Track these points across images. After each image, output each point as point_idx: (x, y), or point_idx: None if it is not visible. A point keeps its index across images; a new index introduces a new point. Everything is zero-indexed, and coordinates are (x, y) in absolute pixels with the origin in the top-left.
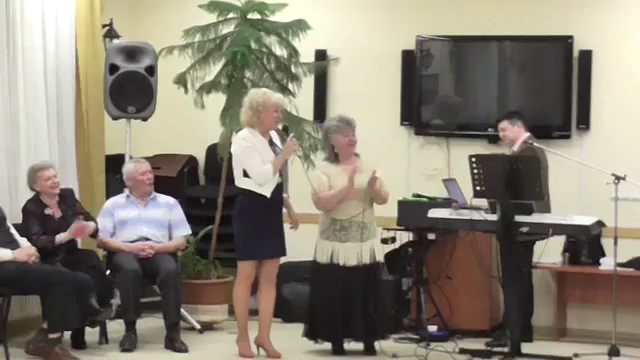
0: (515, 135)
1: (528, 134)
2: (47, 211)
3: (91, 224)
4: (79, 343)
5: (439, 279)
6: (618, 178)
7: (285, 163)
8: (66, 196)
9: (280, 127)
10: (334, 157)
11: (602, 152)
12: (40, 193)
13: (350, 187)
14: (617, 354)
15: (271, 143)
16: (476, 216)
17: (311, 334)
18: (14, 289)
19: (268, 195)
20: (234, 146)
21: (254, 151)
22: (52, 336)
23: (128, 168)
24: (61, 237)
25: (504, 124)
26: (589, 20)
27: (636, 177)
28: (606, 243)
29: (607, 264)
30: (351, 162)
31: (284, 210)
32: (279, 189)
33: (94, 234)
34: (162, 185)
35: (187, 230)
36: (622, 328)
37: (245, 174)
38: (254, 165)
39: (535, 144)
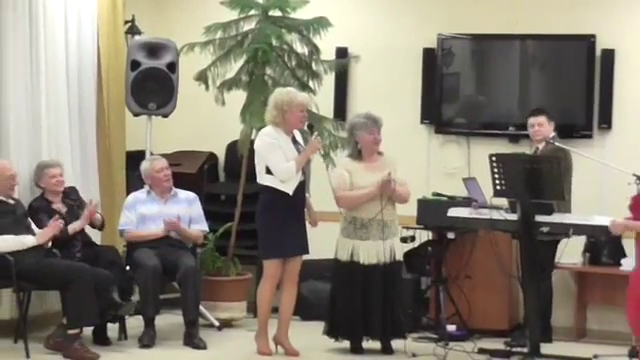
0: (548, 132)
1: (553, 133)
2: (54, 206)
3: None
4: (101, 339)
5: (458, 278)
6: (639, 178)
7: (308, 161)
8: (69, 193)
9: (305, 126)
10: (357, 154)
11: (624, 152)
12: (45, 190)
13: (375, 194)
14: (637, 356)
15: (294, 141)
16: (496, 215)
17: (331, 332)
18: (34, 284)
19: (290, 192)
20: (257, 142)
21: (277, 148)
22: (71, 332)
23: (145, 166)
24: (75, 225)
25: (541, 119)
26: (612, 19)
27: None
28: (627, 243)
29: (628, 265)
30: (374, 160)
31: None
32: (301, 187)
33: (102, 226)
34: (182, 182)
35: (204, 226)
36: None
37: (268, 171)
38: (277, 161)
39: (557, 143)
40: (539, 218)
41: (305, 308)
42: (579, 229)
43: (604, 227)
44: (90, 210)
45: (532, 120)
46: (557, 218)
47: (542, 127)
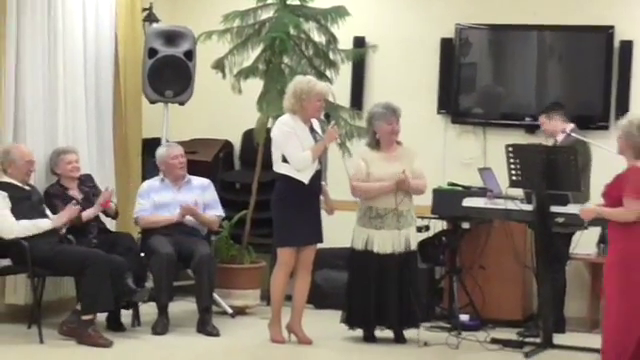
0: (553, 128)
1: (572, 125)
2: (69, 192)
3: (109, 192)
4: (115, 325)
5: (472, 268)
6: None
7: (325, 150)
8: (85, 180)
9: (322, 115)
10: (375, 144)
11: None
12: (60, 177)
13: (391, 190)
14: None
15: (311, 130)
16: (511, 206)
17: (348, 321)
18: (49, 270)
19: (306, 181)
20: (274, 130)
21: (294, 136)
22: (85, 318)
23: (160, 152)
24: (88, 212)
25: (542, 118)
26: (630, 10)
27: None
28: None
29: None
30: (392, 150)
31: (321, 197)
32: (318, 176)
33: (115, 215)
34: (197, 169)
35: (220, 211)
36: None
37: (284, 159)
38: (293, 150)
39: (576, 135)
40: (554, 209)
41: (319, 297)
42: (593, 220)
43: None
44: (105, 197)
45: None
46: (572, 209)
47: (544, 125)
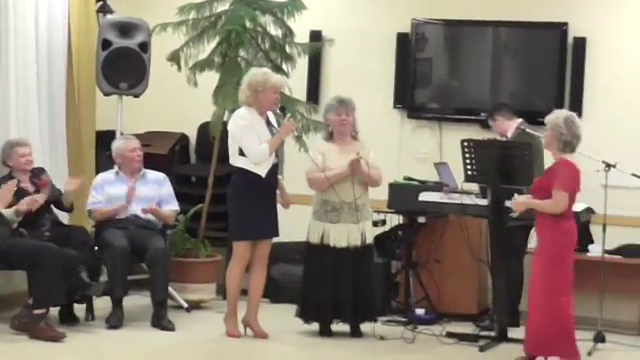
0: (501, 128)
1: (520, 120)
2: (21, 185)
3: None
4: (69, 319)
5: (428, 262)
6: (608, 165)
7: (281, 143)
8: (37, 173)
9: (277, 108)
10: (330, 136)
11: (593, 139)
12: (13, 169)
13: (346, 175)
14: (602, 340)
15: (268, 123)
16: (466, 200)
17: (303, 315)
18: (0, 263)
19: (263, 175)
20: (231, 124)
21: (251, 130)
22: (37, 312)
23: (117, 144)
24: (35, 197)
25: (490, 122)
26: (584, 7)
27: (626, 165)
28: (595, 230)
29: (595, 251)
30: (346, 143)
31: (277, 191)
32: (274, 170)
33: (70, 209)
34: (153, 163)
35: (175, 206)
36: (608, 315)
37: (241, 152)
38: (251, 144)
39: (527, 129)
40: (509, 203)
41: (275, 290)
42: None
43: (575, 213)
44: (46, 180)
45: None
46: None
47: (493, 127)
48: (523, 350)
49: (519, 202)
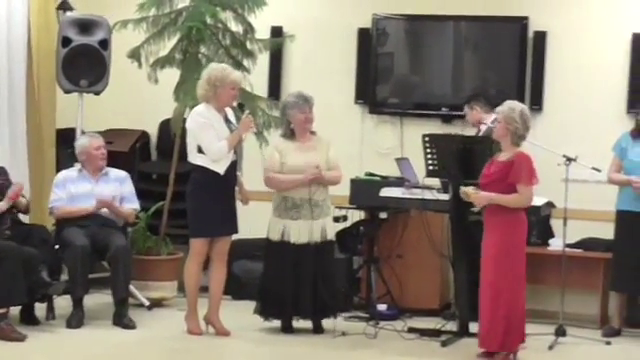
0: (475, 118)
1: (494, 116)
2: None
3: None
4: (29, 319)
5: (390, 258)
6: (569, 159)
7: (240, 140)
8: None
9: (235, 104)
10: (290, 133)
11: (554, 133)
12: None
13: (303, 182)
14: (564, 334)
15: (226, 120)
16: (428, 195)
17: (262, 312)
18: None
19: (222, 172)
20: (189, 121)
21: (210, 127)
22: None
23: (82, 142)
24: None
25: (465, 109)
26: (544, 2)
27: (587, 159)
28: (555, 224)
29: (556, 245)
30: (307, 140)
31: (236, 188)
32: (233, 167)
33: (26, 210)
34: (114, 160)
35: (136, 204)
36: (570, 309)
37: (199, 150)
38: (209, 141)
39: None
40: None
41: (236, 287)
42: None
43: (534, 207)
44: (14, 191)
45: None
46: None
47: (467, 116)
48: (478, 346)
49: (480, 197)
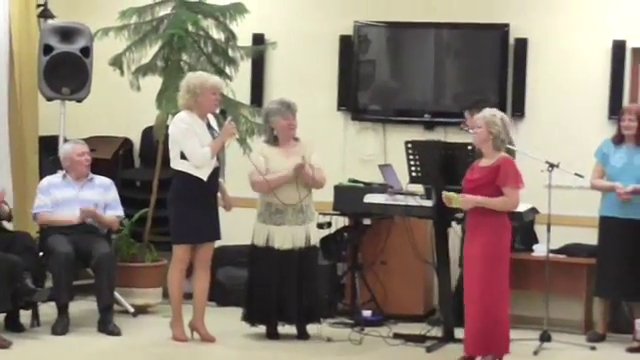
0: (474, 124)
1: None
2: None
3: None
4: (14, 326)
5: (374, 264)
6: (552, 166)
7: (223, 147)
8: None
9: (218, 111)
10: (273, 140)
11: (537, 139)
12: None
13: (289, 178)
14: (548, 340)
15: (209, 126)
16: (411, 202)
17: (248, 317)
18: None
19: (205, 178)
20: (172, 128)
21: (192, 133)
22: None
23: (66, 149)
24: None
25: (465, 115)
26: (525, 8)
27: (569, 165)
28: (539, 230)
29: (540, 250)
30: (290, 145)
31: (218, 194)
32: (216, 173)
33: (9, 218)
34: (97, 167)
35: (120, 211)
36: (554, 314)
37: (182, 156)
38: (193, 147)
39: None
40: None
41: (221, 294)
42: None
43: (517, 213)
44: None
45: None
46: None
47: (468, 120)
48: (464, 350)
49: (467, 200)
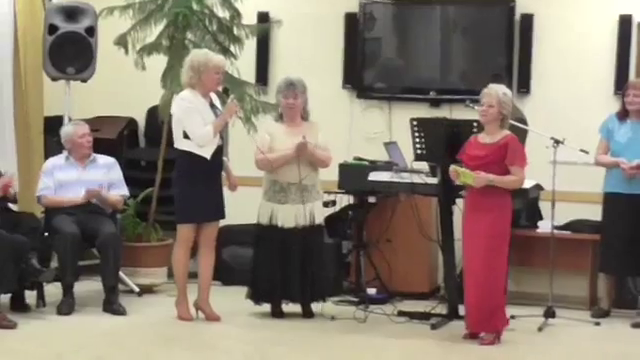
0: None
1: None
2: None
3: (10, 176)
4: (20, 306)
5: (379, 242)
6: (557, 142)
7: (225, 125)
8: None
9: (220, 89)
10: (280, 117)
11: (542, 116)
12: None
13: (291, 157)
14: (553, 316)
15: (212, 105)
16: (416, 179)
17: (253, 296)
18: None
19: (208, 157)
20: (174, 107)
21: (195, 112)
22: None
23: (67, 130)
24: None
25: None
26: None
27: (574, 141)
28: (544, 206)
29: (545, 227)
30: (296, 125)
31: (223, 173)
32: (219, 152)
33: (15, 200)
34: (102, 147)
35: (125, 191)
36: (558, 290)
37: (185, 135)
38: (195, 126)
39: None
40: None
41: (226, 273)
42: None
43: (522, 190)
44: (4, 181)
45: None
46: None
47: None
48: (465, 327)
49: (480, 177)
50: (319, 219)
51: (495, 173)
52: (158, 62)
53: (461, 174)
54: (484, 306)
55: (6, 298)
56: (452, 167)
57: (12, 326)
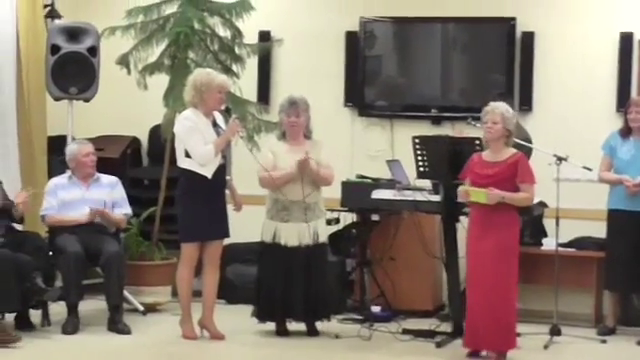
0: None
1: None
2: None
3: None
4: (24, 325)
5: (383, 260)
6: (560, 159)
7: (228, 144)
8: None
9: (223, 108)
10: (282, 135)
11: (544, 133)
12: None
13: (293, 175)
14: (558, 333)
15: (214, 124)
16: (419, 197)
17: (258, 314)
18: None
19: (209, 176)
20: (177, 126)
21: (196, 131)
22: None
23: (71, 149)
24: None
25: None
26: (531, 2)
27: (577, 158)
28: (548, 223)
29: (549, 244)
30: (299, 143)
31: (227, 192)
32: (221, 170)
33: (21, 220)
34: (105, 166)
35: (128, 209)
36: (564, 308)
37: (187, 154)
38: (196, 145)
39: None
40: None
41: (230, 291)
42: None
43: (526, 207)
44: (24, 197)
45: None
46: None
47: None
48: (463, 344)
49: (494, 194)
50: (323, 237)
51: (506, 191)
52: (160, 81)
53: (472, 193)
54: (493, 324)
55: (11, 317)
56: (461, 188)
57: (16, 340)
